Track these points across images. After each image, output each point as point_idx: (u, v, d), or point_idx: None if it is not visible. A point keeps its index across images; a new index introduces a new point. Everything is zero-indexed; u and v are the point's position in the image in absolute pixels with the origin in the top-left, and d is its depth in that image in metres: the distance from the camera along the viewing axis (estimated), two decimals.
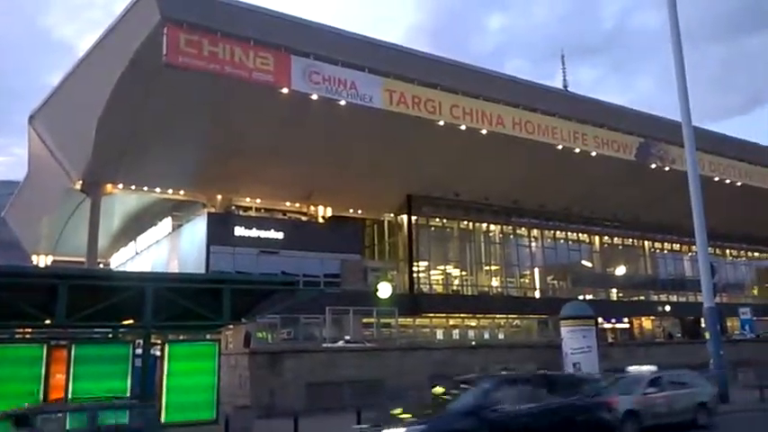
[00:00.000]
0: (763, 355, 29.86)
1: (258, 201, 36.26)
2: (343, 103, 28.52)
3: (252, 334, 27.64)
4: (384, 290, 33.33)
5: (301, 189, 35.11)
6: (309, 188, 35.07)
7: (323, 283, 33.09)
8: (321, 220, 37.49)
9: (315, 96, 27.91)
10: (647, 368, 16.97)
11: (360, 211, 39.08)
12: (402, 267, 38.63)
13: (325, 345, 26.05)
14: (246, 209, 36.35)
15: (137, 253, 44.32)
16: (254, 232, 33.09)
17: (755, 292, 55.46)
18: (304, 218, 37.32)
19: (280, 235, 33.63)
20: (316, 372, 20.64)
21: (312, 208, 37.29)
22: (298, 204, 37.04)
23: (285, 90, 27.24)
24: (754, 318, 40.18)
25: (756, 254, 56.70)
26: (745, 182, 42.19)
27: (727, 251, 53.04)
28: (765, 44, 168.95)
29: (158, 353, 13.41)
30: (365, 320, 32.47)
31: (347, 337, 28.00)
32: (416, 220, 38.45)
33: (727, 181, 41.20)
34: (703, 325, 29.69)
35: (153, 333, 13.57)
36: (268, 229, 33.65)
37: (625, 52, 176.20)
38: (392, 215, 39.61)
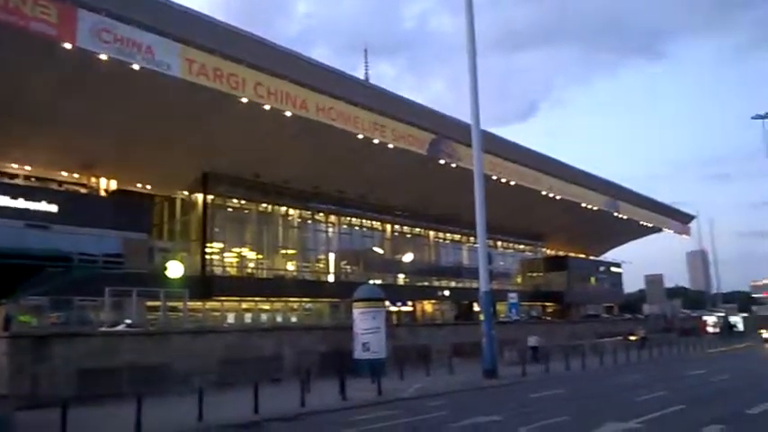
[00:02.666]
0: (525, 335, 33.62)
1: (28, 168, 31.96)
2: (136, 67, 26.20)
3: (13, 316, 24.35)
4: (174, 269, 31.47)
5: (82, 158, 31.71)
6: (92, 158, 31.82)
7: (102, 262, 30.29)
8: (103, 194, 34.22)
9: (104, 57, 25.26)
10: None
11: (149, 187, 36.38)
12: (194, 248, 36.85)
13: (102, 329, 23.87)
14: (13, 176, 31.83)
15: None
16: (20, 203, 28.92)
17: (519, 280, 62.59)
18: (83, 190, 33.77)
19: (53, 207, 29.86)
20: (90, 357, 18.85)
21: (93, 180, 33.85)
22: (77, 175, 33.36)
23: (69, 46, 24.26)
24: (519, 303, 45.26)
25: (522, 246, 63.99)
26: (517, 182, 47.09)
27: (499, 243, 58.96)
28: (539, 60, 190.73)
29: None
30: (150, 304, 30.35)
31: (128, 321, 25.97)
32: (212, 199, 36.90)
33: (504, 180, 45.60)
34: (477, 308, 32.72)
35: None
36: (38, 199, 29.68)
37: (422, 53, 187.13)
38: (186, 193, 37.57)
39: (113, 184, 34.48)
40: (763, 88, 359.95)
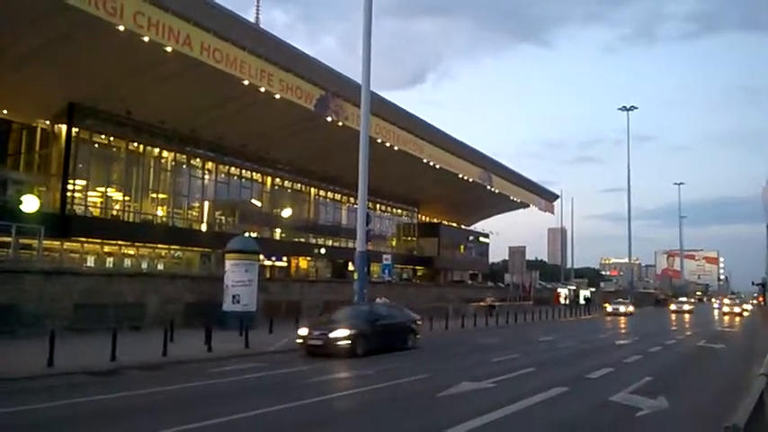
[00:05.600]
0: (396, 295, 34.57)
1: None
2: None
3: None
4: (30, 203, 28.98)
5: None
6: None
7: None
8: None
9: None
10: None
11: (5, 111, 32.96)
12: (54, 184, 34.06)
13: None
14: None
15: None
16: None
17: (394, 243, 64.08)
18: None
19: None
20: None
21: None
22: None
23: None
24: (393, 265, 46.29)
25: (399, 210, 65.40)
26: (401, 147, 47.65)
27: (377, 206, 59.79)
28: (432, 30, 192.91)
29: None
30: (0, 239, 27.83)
31: None
32: (78, 132, 34.12)
33: (388, 144, 45.94)
34: (351, 267, 33.11)
35: None
36: None
37: (317, 4, 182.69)
38: (48, 123, 34.44)
39: None
40: (635, 80, 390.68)
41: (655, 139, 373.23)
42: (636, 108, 75.58)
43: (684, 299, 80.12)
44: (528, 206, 76.22)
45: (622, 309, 55.52)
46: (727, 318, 55.31)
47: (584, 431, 9.62)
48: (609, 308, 56.75)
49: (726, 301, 75.21)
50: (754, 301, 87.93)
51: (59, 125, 34.05)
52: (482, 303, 44.03)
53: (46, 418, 9.53)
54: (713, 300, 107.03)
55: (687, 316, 58.81)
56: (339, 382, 14.29)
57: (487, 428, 9.15)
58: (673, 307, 71.33)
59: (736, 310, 63.15)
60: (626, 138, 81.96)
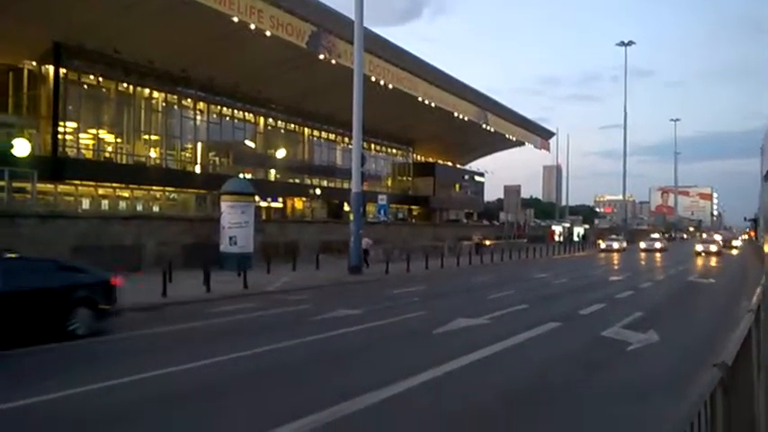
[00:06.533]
0: (391, 235, 34.84)
1: None
2: None
3: None
4: (21, 147, 28.59)
5: None
6: None
7: None
8: None
9: None
10: None
11: None
12: (44, 126, 33.57)
13: None
14: None
15: None
16: None
17: (390, 183, 64.02)
18: None
19: None
20: None
21: None
22: None
23: None
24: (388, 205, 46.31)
25: (394, 150, 65.03)
26: (395, 85, 46.89)
27: (372, 146, 59.38)
28: None
29: None
30: None
31: None
32: (66, 73, 33.38)
33: (382, 82, 45.20)
34: (347, 208, 33.20)
35: None
36: None
37: None
38: (34, 64, 33.65)
39: None
40: (633, 14, 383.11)
41: (652, 74, 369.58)
42: (633, 43, 74.27)
43: (657, 235, 66.57)
44: (523, 144, 75.79)
45: (616, 245, 56.12)
46: (700, 259, 45.12)
47: (576, 364, 9.86)
48: (602, 244, 57.33)
49: (717, 237, 66.13)
50: (745, 236, 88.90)
51: (46, 66, 33.28)
52: (467, 242, 44.35)
53: (43, 361, 9.71)
54: (704, 235, 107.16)
55: (672, 253, 52.06)
56: None
57: (483, 363, 9.38)
58: (642, 245, 58.86)
59: (713, 249, 51.26)
60: (623, 74, 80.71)
